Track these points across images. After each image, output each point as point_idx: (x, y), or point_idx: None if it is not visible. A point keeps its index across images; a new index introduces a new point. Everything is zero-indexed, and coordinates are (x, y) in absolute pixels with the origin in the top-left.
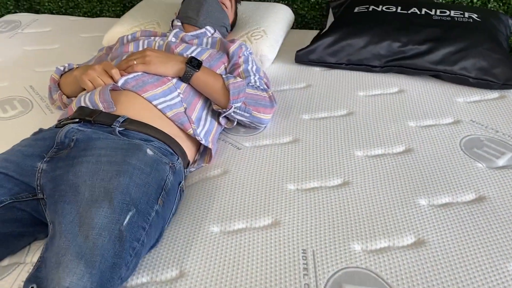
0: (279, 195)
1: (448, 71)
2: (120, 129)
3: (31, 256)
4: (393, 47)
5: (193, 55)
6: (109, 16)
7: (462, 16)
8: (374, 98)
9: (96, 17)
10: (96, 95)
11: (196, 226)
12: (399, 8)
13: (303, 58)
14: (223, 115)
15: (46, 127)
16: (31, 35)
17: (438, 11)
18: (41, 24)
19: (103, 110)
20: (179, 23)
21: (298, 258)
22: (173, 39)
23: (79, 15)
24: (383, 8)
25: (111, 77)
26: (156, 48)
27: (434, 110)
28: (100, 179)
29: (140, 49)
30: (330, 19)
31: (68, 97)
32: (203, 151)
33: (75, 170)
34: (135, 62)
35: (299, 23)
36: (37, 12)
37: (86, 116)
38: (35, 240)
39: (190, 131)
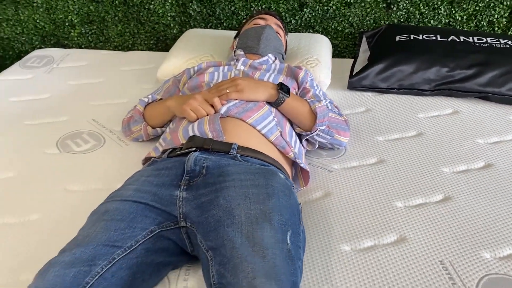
0: (392, 212)
1: (496, 92)
2: (239, 155)
3: (174, 285)
4: (442, 72)
5: (270, 80)
6: (141, 50)
7: (499, 42)
8: (435, 119)
9: (128, 50)
10: (205, 125)
11: (327, 246)
12: (438, 36)
13: (356, 84)
14: (306, 137)
15: (128, 157)
16: (69, 70)
17: (475, 38)
18: (74, 59)
19: (213, 139)
20: (242, 52)
21: (439, 269)
22: (242, 67)
23: (109, 49)
24: (424, 37)
25: (212, 106)
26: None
27: (495, 128)
28: (253, 202)
29: (216, 78)
30: (363, 47)
31: (153, 127)
32: (294, 176)
33: (224, 195)
34: (228, 91)
35: (332, 52)
36: (64, 47)
37: (203, 144)
38: (173, 269)
39: (291, 155)
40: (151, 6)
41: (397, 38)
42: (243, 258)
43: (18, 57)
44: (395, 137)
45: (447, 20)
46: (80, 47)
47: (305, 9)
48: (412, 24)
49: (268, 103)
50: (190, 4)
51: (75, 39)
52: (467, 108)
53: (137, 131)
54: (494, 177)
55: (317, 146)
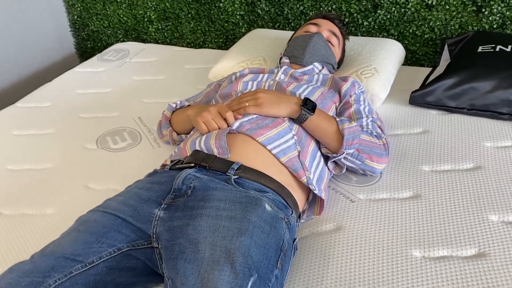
0: (403, 263)
1: None
2: (235, 177)
3: None
4: None
5: (305, 93)
6: (211, 48)
7: None
8: (505, 150)
9: (199, 48)
10: (212, 140)
11: None
12: None
13: (418, 99)
14: (332, 160)
15: (154, 161)
16: (138, 65)
17: None
18: (147, 54)
19: (218, 156)
20: (287, 60)
21: None
22: (282, 76)
23: (182, 46)
24: None
25: (225, 120)
26: (266, 88)
27: None
28: (221, 237)
29: (249, 88)
30: (445, 56)
31: (178, 134)
32: (312, 201)
33: (195, 224)
34: (246, 104)
35: (408, 59)
36: (143, 41)
37: (202, 161)
38: None
39: (304, 179)
40: (221, 4)
41: (480, 49)
42: None
43: (105, 48)
44: (445, 168)
45: None
46: (157, 42)
47: (379, 11)
48: (508, 31)
49: (292, 119)
50: (259, 3)
51: (153, 34)
52: None
53: (166, 135)
54: None
55: (344, 170)
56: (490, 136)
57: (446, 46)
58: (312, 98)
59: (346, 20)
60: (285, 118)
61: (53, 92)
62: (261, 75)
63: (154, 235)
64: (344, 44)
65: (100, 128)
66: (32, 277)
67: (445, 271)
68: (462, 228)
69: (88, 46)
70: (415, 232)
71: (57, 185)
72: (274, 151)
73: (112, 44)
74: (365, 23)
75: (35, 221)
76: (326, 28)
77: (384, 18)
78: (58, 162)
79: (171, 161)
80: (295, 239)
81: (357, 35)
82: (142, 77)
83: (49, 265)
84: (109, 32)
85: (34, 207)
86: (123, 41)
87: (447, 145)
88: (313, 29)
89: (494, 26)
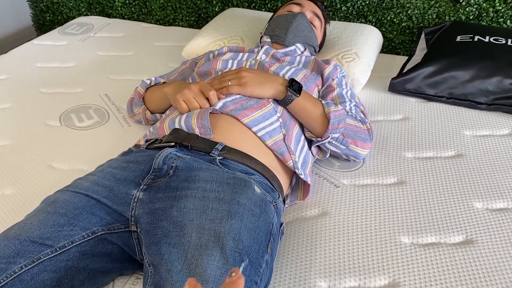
0: (393, 249)
1: None
2: (219, 158)
3: None
4: (504, 84)
5: (288, 75)
6: (182, 26)
7: None
8: (484, 139)
9: (169, 25)
10: (193, 119)
11: (300, 279)
12: (510, 40)
13: (398, 86)
14: (316, 144)
15: (124, 141)
16: (103, 40)
17: None
18: (113, 29)
19: (199, 135)
20: (268, 40)
21: None
22: (263, 56)
23: (151, 22)
24: (491, 39)
25: (207, 99)
26: (247, 67)
27: None
28: (209, 220)
29: (229, 67)
30: (421, 45)
31: (152, 113)
32: (294, 185)
33: (179, 206)
34: (229, 83)
35: (385, 47)
36: (108, 16)
37: (183, 140)
38: (120, 275)
39: (290, 163)
40: None
41: (458, 38)
42: (175, 287)
43: (66, 22)
44: (427, 155)
45: None
46: (123, 18)
47: None
48: (484, 23)
49: (277, 101)
50: None
51: (119, 9)
52: None
53: (138, 113)
54: None
55: (328, 155)
56: (469, 125)
57: (423, 35)
58: None
59: (325, 4)
60: (270, 100)
61: (9, 64)
62: (241, 54)
63: (133, 218)
64: (325, 28)
65: (64, 104)
66: None
67: (435, 258)
68: (449, 215)
69: (46, 19)
70: (402, 218)
71: (17, 164)
72: (259, 134)
73: (73, 17)
74: (343, 8)
75: None
76: (309, 9)
77: (363, 3)
78: (17, 139)
79: (146, 141)
80: (282, 224)
81: (335, 20)
82: (108, 52)
83: (13, 250)
84: (71, 4)
85: None
86: (86, 15)
87: (428, 133)
88: (296, 9)
89: (471, 17)
